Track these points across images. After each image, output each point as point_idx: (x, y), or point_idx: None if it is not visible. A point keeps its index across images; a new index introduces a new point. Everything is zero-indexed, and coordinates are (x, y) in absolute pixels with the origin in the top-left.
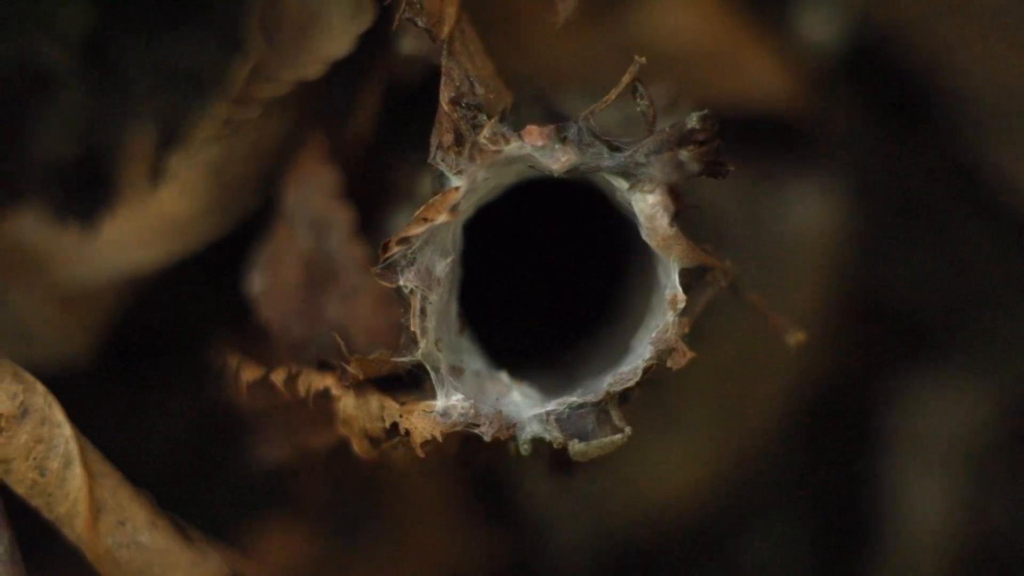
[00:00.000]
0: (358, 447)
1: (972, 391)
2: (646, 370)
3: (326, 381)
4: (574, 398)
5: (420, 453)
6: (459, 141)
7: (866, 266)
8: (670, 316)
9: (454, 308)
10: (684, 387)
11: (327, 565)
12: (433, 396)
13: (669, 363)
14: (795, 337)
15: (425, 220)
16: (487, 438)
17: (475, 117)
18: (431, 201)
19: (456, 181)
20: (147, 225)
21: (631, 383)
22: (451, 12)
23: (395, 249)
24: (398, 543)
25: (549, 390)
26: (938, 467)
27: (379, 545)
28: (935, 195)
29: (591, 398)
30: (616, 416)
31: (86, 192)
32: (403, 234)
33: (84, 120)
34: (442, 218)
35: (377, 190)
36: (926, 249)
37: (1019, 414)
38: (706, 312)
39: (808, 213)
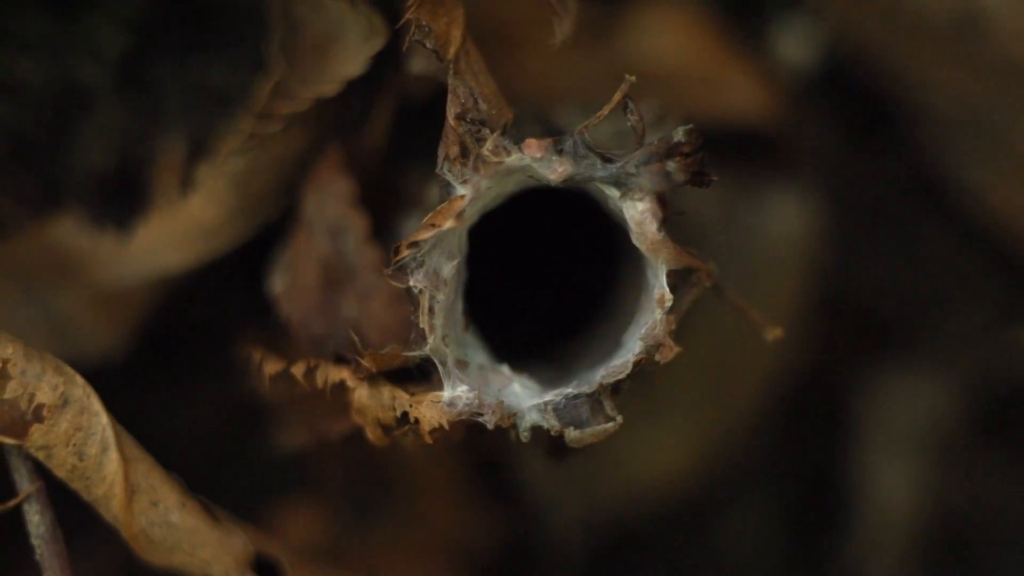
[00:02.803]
0: (371, 434)
1: (933, 382)
2: (636, 364)
3: (342, 374)
4: (570, 389)
5: (428, 440)
6: (464, 153)
7: (837, 267)
8: (658, 314)
9: (460, 306)
10: (671, 379)
11: (344, 542)
12: (440, 387)
13: (657, 357)
14: (772, 333)
15: (433, 226)
16: (490, 426)
17: (479, 131)
18: (438, 208)
19: (461, 190)
20: (178, 230)
21: (622, 376)
22: (457, 35)
23: (405, 252)
24: (408, 521)
25: (547, 382)
26: (903, 452)
27: (391, 523)
28: (899, 202)
29: (585, 389)
30: (608, 406)
31: (122, 200)
32: (413, 238)
33: (120, 134)
34: (449, 224)
35: (389, 198)
36: (891, 252)
37: (975, 403)
38: (691, 310)
39: (784, 219)
